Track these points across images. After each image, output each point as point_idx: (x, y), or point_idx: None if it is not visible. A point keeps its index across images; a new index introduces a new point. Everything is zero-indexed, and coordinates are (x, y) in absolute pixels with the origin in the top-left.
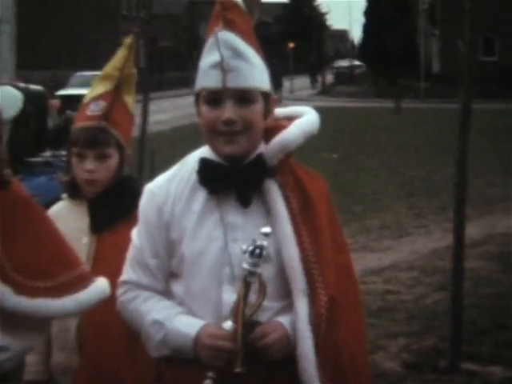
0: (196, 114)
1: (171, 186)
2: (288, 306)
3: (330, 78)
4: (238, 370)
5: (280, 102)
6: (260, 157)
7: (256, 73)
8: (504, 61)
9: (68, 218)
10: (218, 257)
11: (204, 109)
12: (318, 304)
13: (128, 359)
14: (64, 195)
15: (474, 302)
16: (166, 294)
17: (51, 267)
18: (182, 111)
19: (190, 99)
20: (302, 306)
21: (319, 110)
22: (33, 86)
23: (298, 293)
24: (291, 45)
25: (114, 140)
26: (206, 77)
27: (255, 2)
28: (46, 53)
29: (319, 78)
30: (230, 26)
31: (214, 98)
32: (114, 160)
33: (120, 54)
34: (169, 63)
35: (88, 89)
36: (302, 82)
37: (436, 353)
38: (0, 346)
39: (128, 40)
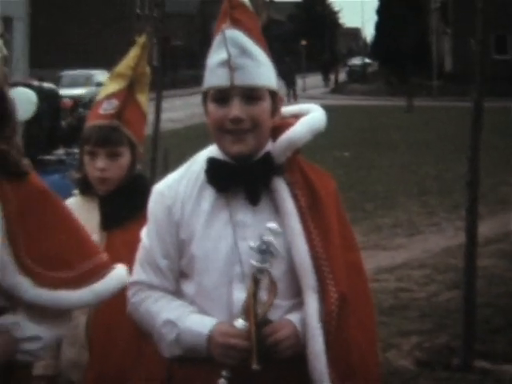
0: (204, 114)
1: (180, 186)
2: (298, 304)
3: (342, 76)
4: (254, 366)
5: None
6: (268, 155)
7: (263, 71)
8: None
9: (79, 215)
10: (228, 255)
11: (211, 107)
12: (329, 301)
13: (136, 359)
14: (75, 192)
15: (486, 300)
16: (177, 293)
17: (71, 257)
18: (195, 109)
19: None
20: (312, 303)
21: (331, 108)
22: (46, 85)
23: (308, 290)
24: (303, 42)
25: (126, 139)
26: (214, 75)
27: (262, 3)
28: (58, 51)
29: (332, 76)
30: (238, 24)
31: (222, 96)
32: (125, 158)
33: (133, 53)
34: (181, 62)
35: (78, 89)
36: (314, 80)
37: (449, 351)
38: (32, 336)
39: (141, 39)
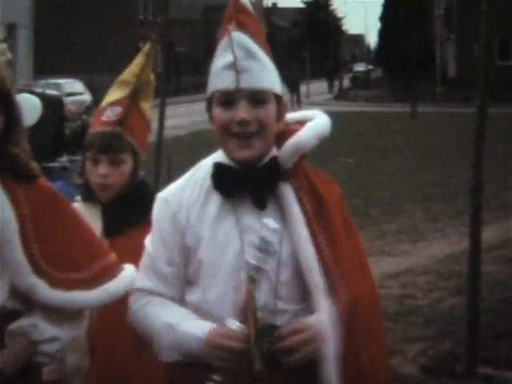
0: (208, 120)
1: (184, 193)
2: (305, 309)
3: (346, 82)
4: (257, 368)
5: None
6: (274, 160)
7: (268, 74)
8: None
9: None
10: (235, 260)
11: (217, 111)
12: (339, 305)
13: (138, 363)
14: (78, 198)
15: (490, 307)
16: (182, 302)
17: (82, 258)
18: (199, 116)
19: None
20: (322, 307)
21: (336, 114)
22: (49, 92)
23: (317, 294)
24: (308, 48)
25: (128, 146)
26: (219, 78)
27: (262, 10)
28: (63, 58)
29: (336, 83)
30: (243, 27)
31: (228, 99)
32: (127, 166)
33: (138, 61)
34: (185, 68)
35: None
36: (318, 86)
37: (453, 357)
38: (51, 338)
39: (146, 47)
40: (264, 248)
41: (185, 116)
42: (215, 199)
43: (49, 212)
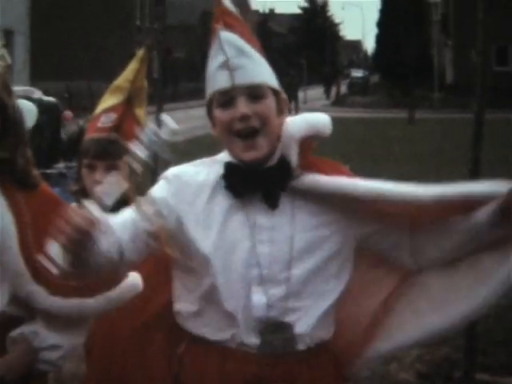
0: (209, 126)
1: (198, 177)
2: (317, 305)
3: (343, 88)
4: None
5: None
6: (283, 157)
7: (262, 69)
8: None
9: None
10: (246, 258)
11: (218, 113)
12: None
13: (138, 363)
14: (74, 204)
15: (488, 312)
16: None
17: None
18: (196, 122)
19: (204, 110)
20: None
21: (333, 120)
22: (46, 98)
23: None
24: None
25: (124, 152)
26: (215, 80)
27: (249, 12)
28: (59, 64)
29: (333, 89)
30: (230, 27)
31: (226, 99)
32: (124, 172)
33: (132, 67)
34: (182, 74)
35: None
36: (315, 92)
37: (450, 363)
38: (53, 345)
39: (140, 53)
40: (275, 247)
41: (182, 122)
42: (224, 197)
43: (50, 219)
